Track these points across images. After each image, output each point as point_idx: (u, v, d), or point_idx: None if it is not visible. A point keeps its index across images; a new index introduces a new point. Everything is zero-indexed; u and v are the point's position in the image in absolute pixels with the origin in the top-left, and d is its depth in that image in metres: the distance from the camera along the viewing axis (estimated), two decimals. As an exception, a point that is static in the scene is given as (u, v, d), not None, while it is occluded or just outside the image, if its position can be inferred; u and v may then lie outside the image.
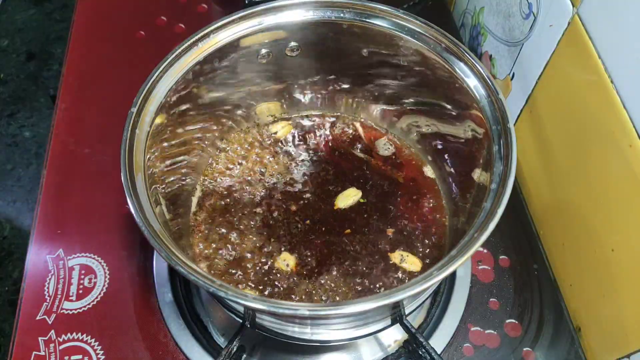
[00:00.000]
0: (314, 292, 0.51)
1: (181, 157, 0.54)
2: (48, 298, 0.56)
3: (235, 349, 0.47)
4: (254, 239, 0.54)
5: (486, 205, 0.42)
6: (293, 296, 0.51)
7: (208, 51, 0.51)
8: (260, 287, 0.51)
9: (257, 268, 0.52)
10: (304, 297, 0.51)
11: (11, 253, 0.63)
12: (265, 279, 0.52)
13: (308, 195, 0.57)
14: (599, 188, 0.50)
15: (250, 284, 0.52)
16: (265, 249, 0.53)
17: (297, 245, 0.54)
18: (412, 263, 0.53)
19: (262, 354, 0.54)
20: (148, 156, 0.46)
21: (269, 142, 0.61)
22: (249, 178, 0.58)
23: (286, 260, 0.52)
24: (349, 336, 0.49)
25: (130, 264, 0.59)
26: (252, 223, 0.55)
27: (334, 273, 0.52)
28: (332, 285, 0.51)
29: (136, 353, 0.54)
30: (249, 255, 0.53)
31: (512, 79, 0.62)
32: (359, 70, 0.58)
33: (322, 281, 0.51)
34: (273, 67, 0.57)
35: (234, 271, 0.52)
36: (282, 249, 0.53)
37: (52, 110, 0.70)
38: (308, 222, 0.55)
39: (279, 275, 0.52)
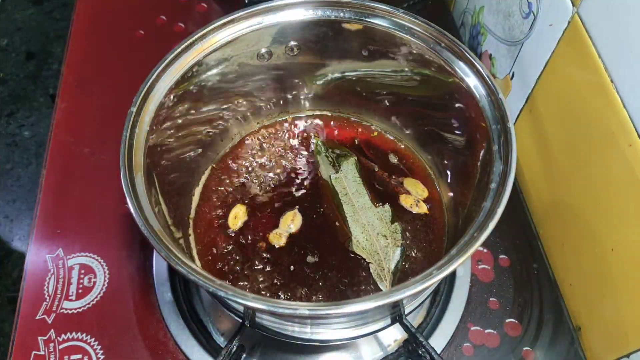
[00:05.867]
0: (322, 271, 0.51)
1: (182, 155, 0.54)
2: (48, 297, 0.56)
3: (234, 349, 0.47)
4: (256, 239, 0.54)
5: (486, 204, 0.42)
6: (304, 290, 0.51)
7: (207, 51, 0.50)
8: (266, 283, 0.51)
9: (259, 264, 0.52)
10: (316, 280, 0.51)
11: (11, 253, 0.63)
12: (268, 274, 0.52)
13: (303, 191, 0.57)
14: (599, 187, 0.50)
15: (253, 283, 0.52)
16: (268, 247, 0.53)
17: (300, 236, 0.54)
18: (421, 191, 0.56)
19: (262, 354, 0.54)
20: (152, 137, 0.46)
21: (265, 143, 0.61)
22: (248, 177, 0.58)
23: (293, 221, 0.54)
24: (348, 336, 0.49)
25: (130, 264, 0.59)
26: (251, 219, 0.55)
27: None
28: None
29: (136, 352, 0.54)
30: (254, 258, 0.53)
31: (511, 79, 0.62)
32: (358, 70, 0.58)
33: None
34: (273, 67, 0.57)
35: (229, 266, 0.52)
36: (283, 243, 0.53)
37: (52, 110, 0.70)
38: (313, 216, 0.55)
39: (284, 273, 0.52)
